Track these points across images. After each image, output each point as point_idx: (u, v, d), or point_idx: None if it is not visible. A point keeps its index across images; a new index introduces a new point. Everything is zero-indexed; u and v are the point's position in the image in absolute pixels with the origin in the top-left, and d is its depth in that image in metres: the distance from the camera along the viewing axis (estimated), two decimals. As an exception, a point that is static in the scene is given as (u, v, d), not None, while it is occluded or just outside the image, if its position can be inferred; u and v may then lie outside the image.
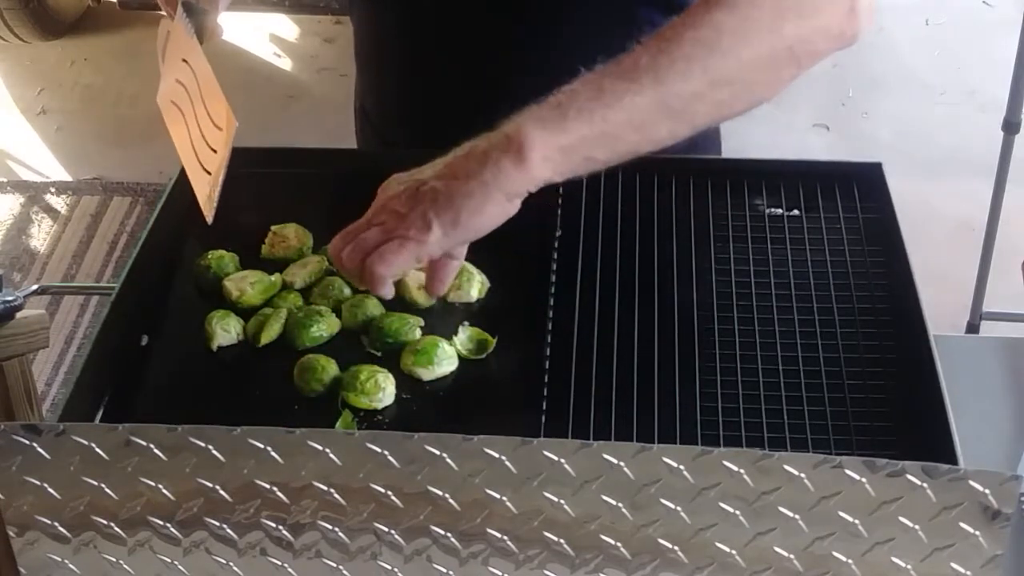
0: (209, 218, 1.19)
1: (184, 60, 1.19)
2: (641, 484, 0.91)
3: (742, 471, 0.90)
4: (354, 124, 1.63)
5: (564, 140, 1.07)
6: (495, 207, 1.07)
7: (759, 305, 1.20)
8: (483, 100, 1.36)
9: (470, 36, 1.41)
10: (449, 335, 1.18)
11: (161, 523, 0.97)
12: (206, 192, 1.19)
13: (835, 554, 0.91)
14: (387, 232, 1.08)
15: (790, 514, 0.91)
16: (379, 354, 1.18)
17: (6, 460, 0.95)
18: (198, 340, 1.20)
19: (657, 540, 0.93)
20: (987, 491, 0.88)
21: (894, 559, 0.91)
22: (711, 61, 1.09)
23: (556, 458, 0.91)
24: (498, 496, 0.93)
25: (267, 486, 0.94)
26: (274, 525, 0.96)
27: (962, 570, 0.91)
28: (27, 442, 0.94)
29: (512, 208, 1.08)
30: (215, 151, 1.19)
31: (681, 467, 0.90)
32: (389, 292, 1.10)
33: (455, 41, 1.42)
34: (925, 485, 0.88)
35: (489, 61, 1.41)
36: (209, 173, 1.19)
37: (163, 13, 1.24)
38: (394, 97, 1.53)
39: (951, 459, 1.01)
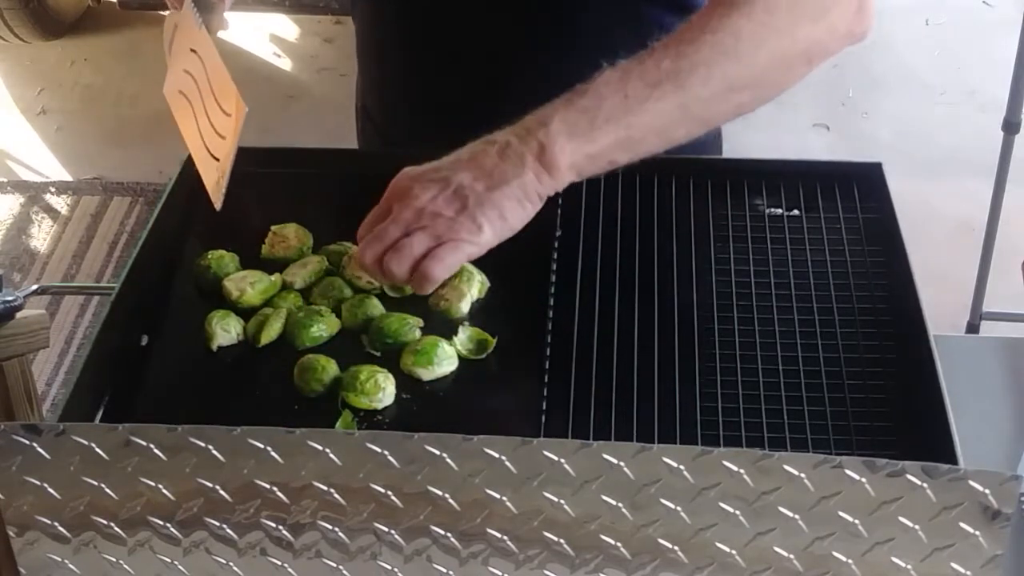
0: (218, 205, 1.20)
1: (192, 50, 1.20)
2: (641, 484, 0.91)
3: (742, 471, 0.90)
4: (355, 124, 1.63)
5: (590, 149, 1.11)
6: (530, 205, 1.11)
7: (759, 305, 1.20)
8: (484, 99, 1.36)
9: (471, 35, 1.41)
10: (449, 335, 1.18)
11: (161, 523, 0.97)
12: (214, 179, 1.19)
13: (835, 554, 0.91)
14: (436, 237, 1.09)
15: (790, 514, 0.91)
16: (379, 354, 1.18)
17: (6, 460, 0.95)
18: (198, 340, 1.20)
19: (657, 540, 0.93)
20: (987, 491, 0.88)
21: (894, 559, 0.91)
22: (730, 67, 1.13)
23: (556, 458, 0.91)
24: (498, 496, 0.93)
25: (267, 486, 0.94)
26: (274, 525, 0.96)
27: (962, 570, 0.91)
28: (27, 442, 0.94)
29: (538, 207, 1.12)
30: (224, 138, 1.20)
31: (681, 467, 0.90)
32: (431, 289, 1.12)
33: (456, 40, 1.43)
34: (925, 485, 0.88)
35: (490, 60, 1.41)
36: (217, 160, 1.19)
37: (164, 12, 1.24)
38: (395, 96, 1.53)
39: (951, 459, 1.01)
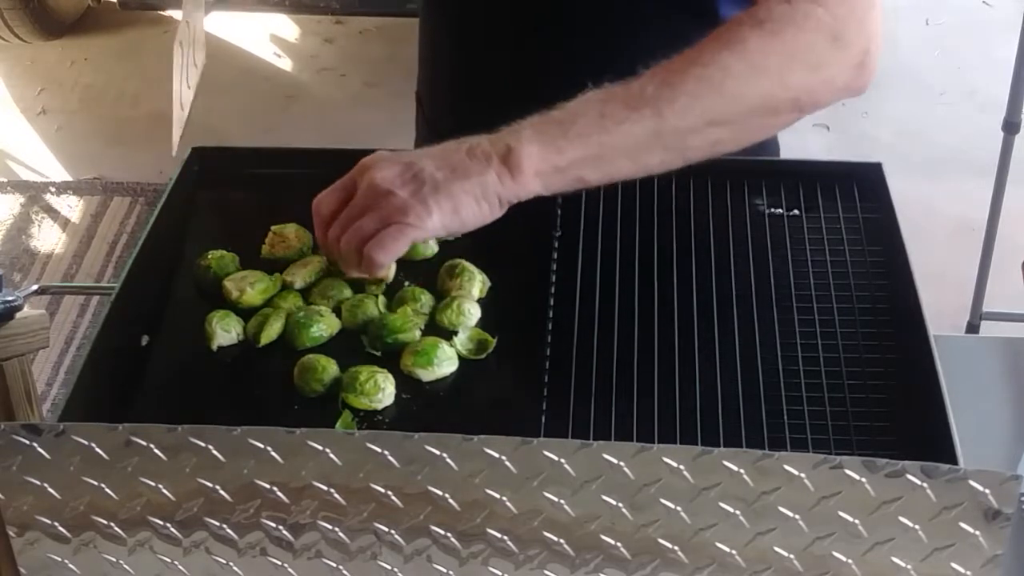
0: (174, 149, 1.22)
1: (187, 23, 1.26)
2: (641, 484, 0.91)
3: (742, 471, 0.90)
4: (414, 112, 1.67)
5: (558, 160, 1.11)
6: (488, 207, 1.11)
7: (759, 305, 1.20)
8: (528, 97, 1.37)
9: (517, 41, 1.42)
10: (449, 335, 1.18)
11: (161, 523, 0.97)
12: (180, 127, 1.24)
13: (835, 554, 0.91)
14: (384, 219, 1.09)
15: (790, 514, 0.91)
16: (379, 354, 1.18)
17: (6, 460, 0.95)
18: (198, 340, 1.20)
19: (657, 540, 0.93)
20: (987, 491, 0.88)
21: (894, 559, 0.91)
22: (712, 102, 1.12)
23: (556, 458, 0.91)
24: (498, 496, 0.93)
25: (267, 486, 0.94)
26: (274, 525, 0.96)
27: (962, 570, 0.91)
28: (27, 442, 0.94)
29: (500, 212, 1.12)
30: (190, 88, 1.26)
31: (681, 467, 0.90)
32: (386, 274, 1.15)
33: (503, 45, 1.44)
34: (925, 485, 0.88)
35: (539, 62, 1.41)
36: (183, 109, 1.24)
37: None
38: (445, 91, 1.56)
39: (951, 459, 1.01)
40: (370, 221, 1.10)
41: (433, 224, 1.09)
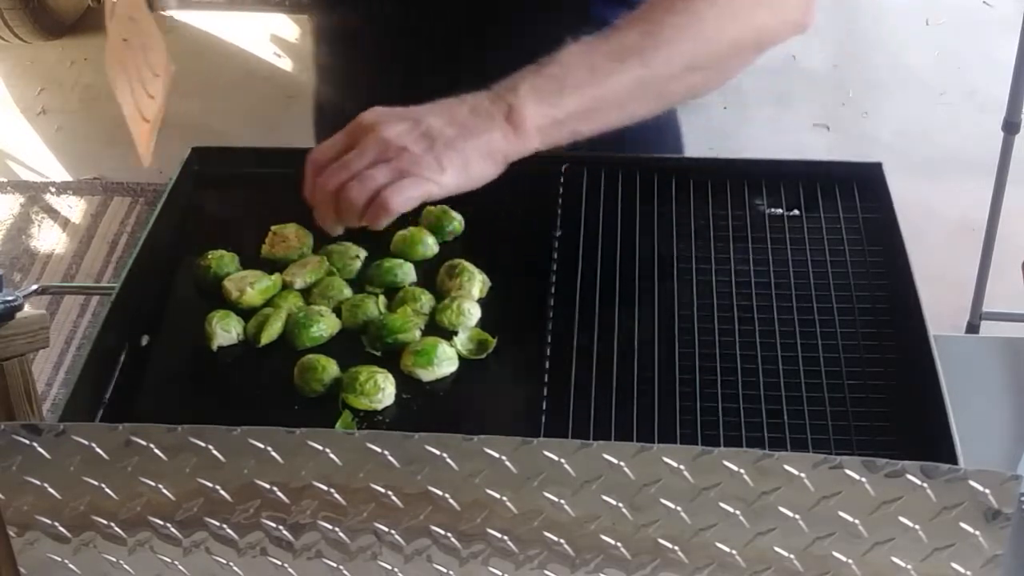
0: (146, 162, 1.27)
1: (131, 18, 1.25)
2: (641, 484, 0.91)
3: (742, 471, 0.90)
4: (314, 132, 1.60)
5: (557, 114, 1.14)
6: (493, 164, 1.13)
7: (759, 305, 1.20)
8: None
9: (426, 41, 1.43)
10: (449, 335, 1.18)
11: (161, 523, 0.97)
12: (144, 139, 1.28)
13: (835, 554, 0.91)
14: (399, 170, 1.10)
15: (790, 514, 0.91)
16: (379, 354, 1.18)
17: (6, 460, 0.95)
18: (198, 340, 1.20)
19: (657, 540, 0.93)
20: (987, 491, 0.88)
21: (894, 559, 0.91)
22: (691, 47, 1.18)
23: (556, 458, 0.91)
24: (498, 496, 0.93)
25: (267, 486, 0.95)
26: (274, 525, 0.96)
27: (962, 570, 0.91)
28: (27, 442, 0.94)
29: (502, 169, 1.14)
30: (153, 98, 1.30)
31: (681, 467, 0.90)
32: (383, 225, 1.13)
33: (414, 47, 1.45)
34: (925, 485, 0.88)
35: (443, 63, 1.42)
36: (148, 121, 1.28)
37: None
38: (364, 93, 1.54)
39: (951, 459, 1.01)
40: (384, 172, 1.10)
41: (447, 180, 1.11)
